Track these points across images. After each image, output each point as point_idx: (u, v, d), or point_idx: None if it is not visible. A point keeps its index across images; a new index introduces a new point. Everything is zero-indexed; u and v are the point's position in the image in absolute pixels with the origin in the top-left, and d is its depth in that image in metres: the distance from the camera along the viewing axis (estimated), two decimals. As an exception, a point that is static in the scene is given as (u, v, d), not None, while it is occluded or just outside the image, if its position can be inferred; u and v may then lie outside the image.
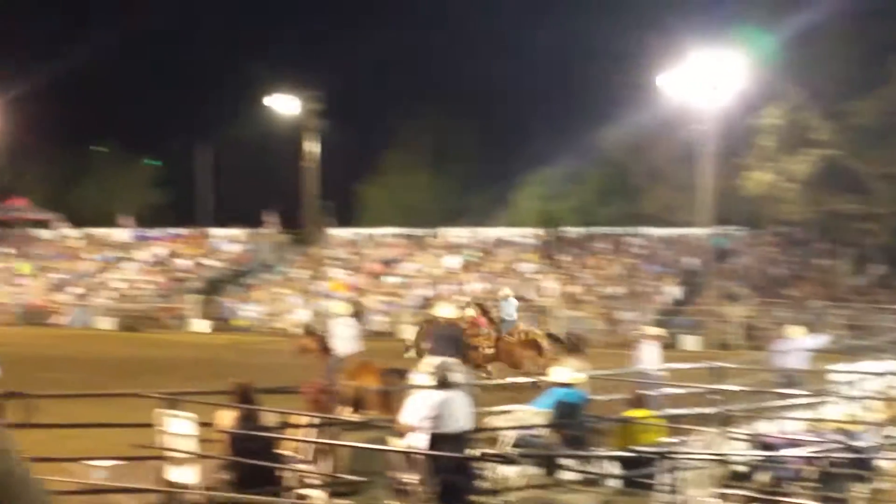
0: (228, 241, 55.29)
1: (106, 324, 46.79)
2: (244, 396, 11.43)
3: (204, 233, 56.88)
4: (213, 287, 50.57)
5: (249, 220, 56.65)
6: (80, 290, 50.61)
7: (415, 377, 14.28)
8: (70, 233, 59.33)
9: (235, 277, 52.03)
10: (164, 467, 11.75)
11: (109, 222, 62.10)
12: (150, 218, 68.88)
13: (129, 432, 13.23)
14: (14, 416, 12.42)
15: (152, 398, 12.29)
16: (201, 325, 45.75)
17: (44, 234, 60.09)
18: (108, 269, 53.20)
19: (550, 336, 24.54)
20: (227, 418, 11.37)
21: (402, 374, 16.13)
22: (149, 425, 11.88)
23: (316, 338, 19.73)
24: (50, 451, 13.87)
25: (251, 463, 10.89)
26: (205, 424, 12.01)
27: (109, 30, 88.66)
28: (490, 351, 23.52)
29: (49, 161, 78.58)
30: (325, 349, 19.13)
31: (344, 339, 18.42)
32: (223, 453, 11.35)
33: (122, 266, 53.57)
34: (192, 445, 11.77)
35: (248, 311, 46.74)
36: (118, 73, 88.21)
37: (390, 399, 15.02)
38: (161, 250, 54.79)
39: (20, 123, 62.71)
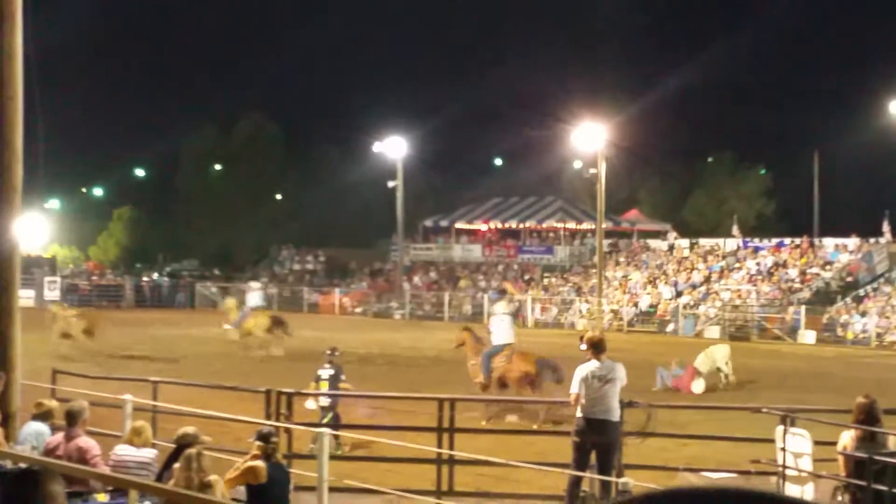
0: (838, 250, 53.46)
1: (714, 332, 47.30)
2: (869, 415, 10.84)
3: (812, 242, 55.50)
4: (822, 297, 49.27)
5: (859, 228, 54.45)
6: (689, 300, 51.58)
7: None
8: (680, 243, 60.66)
9: (846, 288, 50.25)
10: (780, 483, 11.55)
11: (719, 232, 62.74)
12: (758, 227, 68.75)
13: (745, 445, 13.24)
14: (634, 425, 12.88)
15: (769, 413, 12.12)
16: (808, 337, 44.72)
17: (656, 244, 61.98)
18: (717, 279, 53.67)
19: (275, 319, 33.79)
20: (847, 438, 10.90)
21: (553, 366, 20.60)
22: (767, 440, 11.75)
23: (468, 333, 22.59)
24: (668, 458, 14.26)
25: (873, 488, 10.34)
26: (821, 443, 11.65)
27: (720, 42, 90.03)
28: None
29: (665, 173, 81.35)
30: (477, 341, 21.92)
31: (500, 332, 20.80)
32: (842, 475, 10.91)
33: (731, 275, 53.79)
34: (809, 464, 11.46)
35: (859, 323, 44.88)
36: (731, 84, 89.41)
37: (536, 383, 20.45)
38: (768, 260, 54.29)
39: (639, 138, 65.49)
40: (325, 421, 16.34)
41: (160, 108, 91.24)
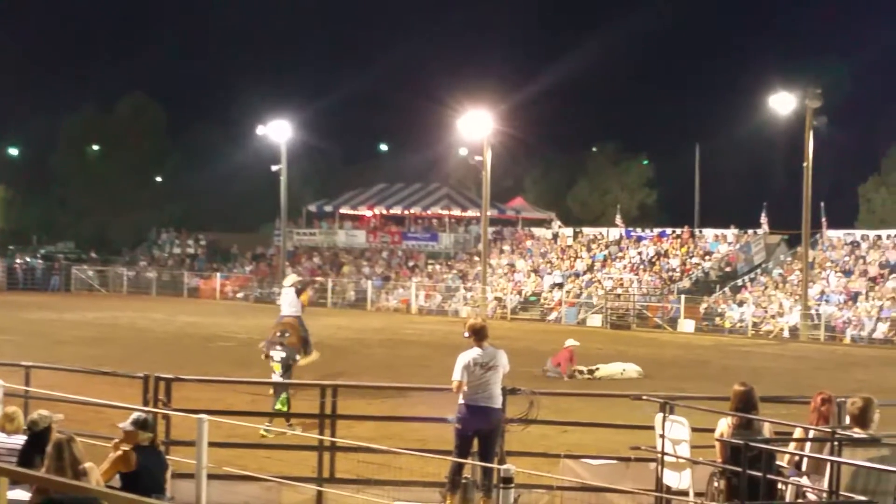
0: (717, 240, 54.63)
1: (596, 321, 47.90)
2: (745, 403, 11.02)
3: (693, 232, 56.62)
4: (702, 287, 50.33)
5: (738, 219, 55.85)
6: (572, 288, 52.15)
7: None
8: (564, 231, 61.31)
9: (724, 278, 51.40)
10: (658, 470, 11.69)
11: (602, 221, 63.57)
12: (641, 217, 69.95)
13: (625, 432, 13.39)
14: (516, 412, 12.92)
15: (649, 401, 12.26)
16: (687, 325, 45.57)
17: (540, 232, 62.51)
18: (599, 268, 54.36)
19: None
20: (724, 425, 11.07)
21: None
22: (647, 427, 11.87)
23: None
24: (549, 445, 14.34)
25: (748, 473, 10.51)
26: (699, 430, 11.83)
27: (606, 34, 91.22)
28: None
29: (549, 162, 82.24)
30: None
31: (285, 304, 21.02)
32: (718, 461, 11.07)
33: (612, 264, 54.53)
34: (686, 450, 11.61)
35: (736, 312, 45.90)
36: (616, 76, 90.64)
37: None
38: (650, 249, 55.19)
39: (525, 127, 65.96)
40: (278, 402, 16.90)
41: (36, 85, 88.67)
